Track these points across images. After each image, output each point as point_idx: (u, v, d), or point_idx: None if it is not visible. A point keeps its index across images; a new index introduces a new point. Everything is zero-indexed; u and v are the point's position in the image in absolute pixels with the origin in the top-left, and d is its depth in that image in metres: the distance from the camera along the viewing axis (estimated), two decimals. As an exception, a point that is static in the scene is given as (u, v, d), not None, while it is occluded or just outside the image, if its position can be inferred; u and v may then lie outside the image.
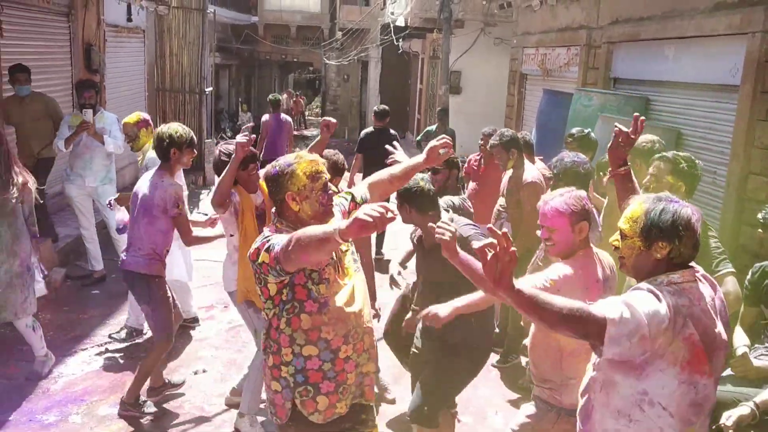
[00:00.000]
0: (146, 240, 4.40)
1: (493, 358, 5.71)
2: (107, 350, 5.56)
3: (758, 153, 4.83)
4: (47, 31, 8.50)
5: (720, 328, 2.24)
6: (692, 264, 2.30)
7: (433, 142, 3.15)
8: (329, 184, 2.76)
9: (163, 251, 4.46)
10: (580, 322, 2.08)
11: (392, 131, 8.35)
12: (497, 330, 5.98)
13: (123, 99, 10.96)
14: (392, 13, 17.97)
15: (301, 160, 2.71)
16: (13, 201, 4.63)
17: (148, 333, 5.48)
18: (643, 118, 2.96)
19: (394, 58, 21.74)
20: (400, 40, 17.59)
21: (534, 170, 5.48)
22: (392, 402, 4.84)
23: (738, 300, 3.46)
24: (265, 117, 10.88)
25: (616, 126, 3.01)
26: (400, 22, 16.74)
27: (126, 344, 5.63)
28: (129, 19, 11.32)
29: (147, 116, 5.73)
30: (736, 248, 4.86)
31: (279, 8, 26.42)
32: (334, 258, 2.73)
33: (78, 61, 9.15)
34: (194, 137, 4.57)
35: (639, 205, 2.28)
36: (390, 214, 2.23)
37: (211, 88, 14.73)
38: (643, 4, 6.59)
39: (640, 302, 2.11)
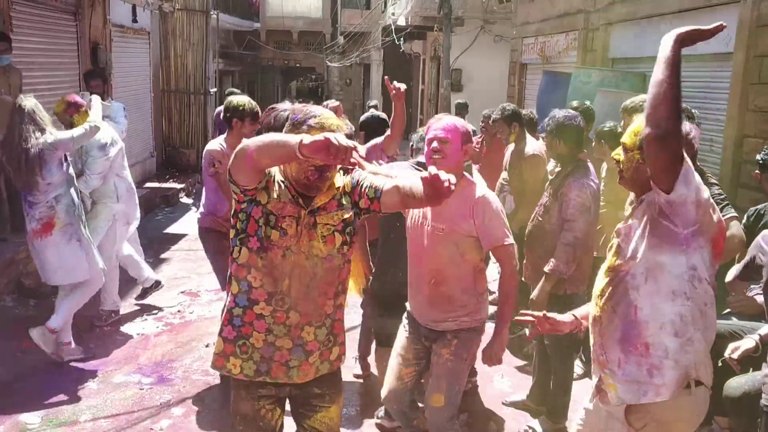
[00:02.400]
0: (205, 199, 4.71)
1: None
2: (118, 328, 5.68)
3: (752, 116, 4.93)
4: (55, 29, 8.67)
5: None
6: None
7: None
8: (329, 173, 2.42)
9: (215, 208, 4.63)
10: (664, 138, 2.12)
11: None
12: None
13: (129, 99, 11.11)
14: (393, 14, 18.15)
15: (325, 122, 2.39)
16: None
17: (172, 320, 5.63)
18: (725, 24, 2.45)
19: (396, 60, 21.91)
20: (402, 39, 17.75)
21: (536, 143, 5.60)
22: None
23: (742, 243, 3.55)
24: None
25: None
26: (401, 22, 16.92)
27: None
28: (134, 20, 11.49)
29: (76, 98, 5.39)
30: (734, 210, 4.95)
31: (281, 14, 26.65)
32: (303, 218, 2.43)
33: (85, 60, 9.31)
34: (258, 110, 4.56)
35: (641, 120, 2.34)
36: (349, 157, 2.04)
37: (215, 89, 14.92)
38: (638, -17, 6.73)
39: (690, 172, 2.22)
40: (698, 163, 3.82)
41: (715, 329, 2.39)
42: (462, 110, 11.23)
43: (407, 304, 3.41)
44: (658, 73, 2.13)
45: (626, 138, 2.40)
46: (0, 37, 6.52)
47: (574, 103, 5.75)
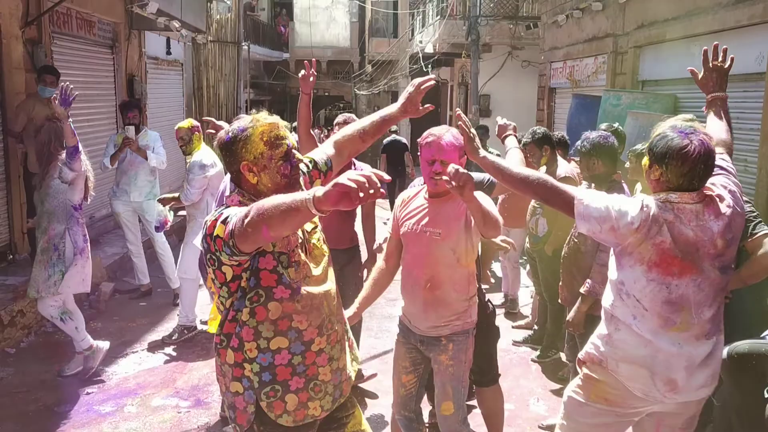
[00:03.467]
0: None
1: (533, 353, 5.82)
2: (157, 352, 5.77)
3: (787, 135, 4.91)
4: (93, 62, 8.94)
5: (716, 240, 2.47)
6: (709, 190, 2.53)
7: (408, 88, 2.88)
8: (294, 151, 2.38)
9: None
10: (544, 187, 2.64)
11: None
12: (536, 327, 6.07)
13: (163, 129, 11.32)
14: (420, 41, 18.34)
15: (257, 124, 2.33)
16: (53, 180, 5.00)
17: (201, 328, 5.75)
18: (725, 47, 3.10)
19: (424, 87, 22.07)
20: (429, 66, 17.91)
21: (567, 165, 5.60)
22: (374, 397, 4.88)
23: None
24: None
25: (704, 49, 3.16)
26: (429, 49, 17.08)
27: (177, 343, 5.88)
28: (168, 52, 11.81)
29: (197, 123, 6.02)
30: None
31: (310, 44, 27.06)
32: (302, 237, 2.40)
33: (121, 91, 9.58)
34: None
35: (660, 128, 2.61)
36: (376, 188, 1.88)
37: (247, 118, 15.17)
38: (667, 6, 6.74)
39: (617, 201, 2.53)
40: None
41: (642, 342, 2.53)
42: (483, 135, 11.18)
43: (400, 312, 3.45)
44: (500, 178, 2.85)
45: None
46: (49, 70, 6.75)
47: (604, 126, 5.76)
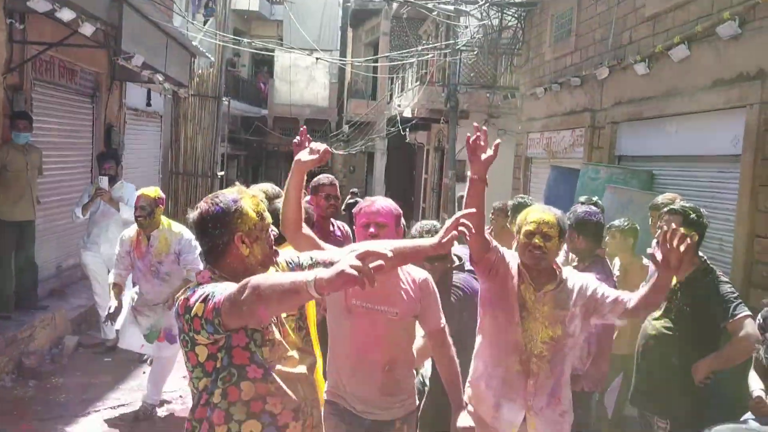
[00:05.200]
0: None
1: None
2: (119, 413, 5.55)
3: (762, 216, 4.98)
4: (72, 110, 8.88)
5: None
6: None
7: (448, 223, 2.70)
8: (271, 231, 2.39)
9: None
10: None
11: None
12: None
13: (138, 179, 11.16)
14: (399, 105, 18.62)
15: (245, 195, 2.33)
16: None
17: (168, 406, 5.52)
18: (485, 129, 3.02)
19: (400, 150, 22.32)
20: (407, 130, 18.14)
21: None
22: None
23: (757, 342, 3.52)
24: None
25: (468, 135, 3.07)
26: (407, 113, 17.33)
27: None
28: (148, 104, 11.79)
29: (163, 195, 5.58)
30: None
31: (288, 102, 27.32)
32: (275, 317, 2.34)
33: (99, 141, 9.48)
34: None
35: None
36: (379, 269, 1.87)
37: (223, 172, 15.12)
38: (644, 84, 6.92)
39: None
40: (708, 263, 3.85)
41: None
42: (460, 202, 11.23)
43: (335, 397, 3.13)
44: None
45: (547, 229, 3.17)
46: (22, 115, 6.67)
47: (582, 198, 5.82)
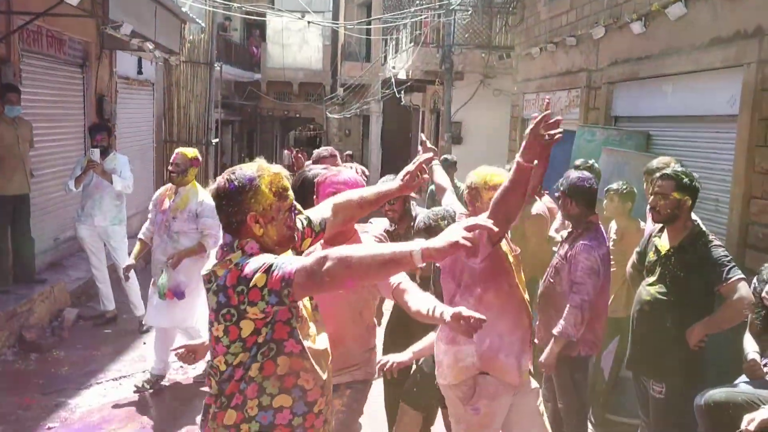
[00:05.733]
0: None
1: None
2: (122, 383, 5.60)
3: (758, 177, 4.96)
4: (62, 81, 8.77)
5: None
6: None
7: (408, 167, 2.82)
8: (295, 203, 2.38)
9: None
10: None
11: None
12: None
13: (132, 149, 11.17)
14: (393, 67, 18.43)
15: (264, 173, 2.26)
16: None
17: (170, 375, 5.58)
18: (560, 118, 2.69)
19: (395, 112, 22.18)
20: (402, 92, 17.98)
21: (539, 204, 5.61)
22: None
23: (751, 305, 3.54)
24: None
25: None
26: (402, 75, 17.15)
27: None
28: (140, 72, 11.66)
29: (200, 157, 5.68)
30: (741, 271, 4.95)
31: (282, 65, 27.03)
32: None
33: (90, 111, 9.39)
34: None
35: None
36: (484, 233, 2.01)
37: (217, 140, 15.03)
38: (640, 44, 6.84)
39: None
40: (700, 225, 3.84)
41: None
42: (451, 167, 10.33)
43: None
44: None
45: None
46: (11, 88, 6.58)
47: (578, 162, 5.80)
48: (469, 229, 1.95)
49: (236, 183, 2.21)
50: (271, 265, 2.07)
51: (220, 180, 2.27)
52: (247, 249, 2.22)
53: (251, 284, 2.07)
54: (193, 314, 5.46)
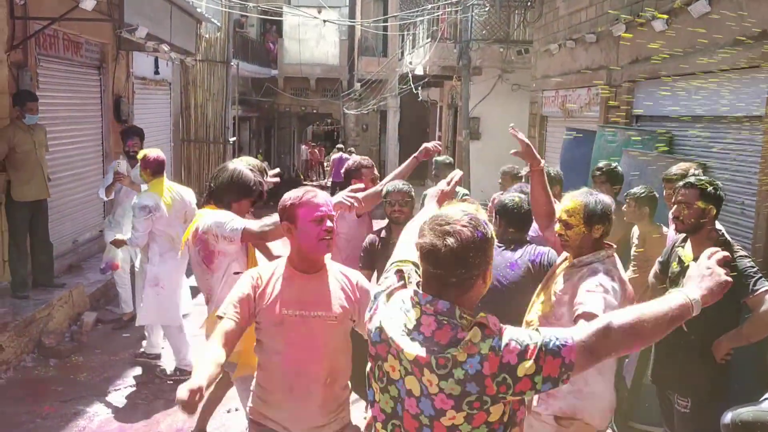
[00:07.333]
0: None
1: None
2: (141, 389, 5.60)
3: (787, 181, 4.85)
4: (79, 84, 8.79)
5: None
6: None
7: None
8: None
9: None
10: None
11: None
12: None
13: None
14: (410, 63, 18.31)
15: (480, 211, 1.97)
16: None
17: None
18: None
19: (413, 107, 22.04)
20: (419, 88, 17.86)
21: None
22: None
23: None
24: None
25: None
26: (419, 71, 17.04)
27: (162, 382, 5.71)
28: (156, 72, 11.67)
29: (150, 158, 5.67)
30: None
31: (299, 61, 26.98)
32: None
33: (108, 112, 9.41)
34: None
35: (573, 201, 3.14)
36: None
37: (234, 138, 15.04)
38: (662, 42, 6.70)
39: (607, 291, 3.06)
40: (724, 235, 3.73)
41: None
42: (448, 169, 9.65)
43: (261, 418, 2.81)
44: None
45: (567, 217, 3.13)
46: (31, 97, 6.60)
47: (601, 164, 5.69)
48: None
49: (481, 230, 1.86)
50: (539, 349, 1.78)
51: (464, 230, 1.84)
52: (492, 326, 1.83)
53: (519, 374, 1.78)
54: (179, 309, 5.78)
